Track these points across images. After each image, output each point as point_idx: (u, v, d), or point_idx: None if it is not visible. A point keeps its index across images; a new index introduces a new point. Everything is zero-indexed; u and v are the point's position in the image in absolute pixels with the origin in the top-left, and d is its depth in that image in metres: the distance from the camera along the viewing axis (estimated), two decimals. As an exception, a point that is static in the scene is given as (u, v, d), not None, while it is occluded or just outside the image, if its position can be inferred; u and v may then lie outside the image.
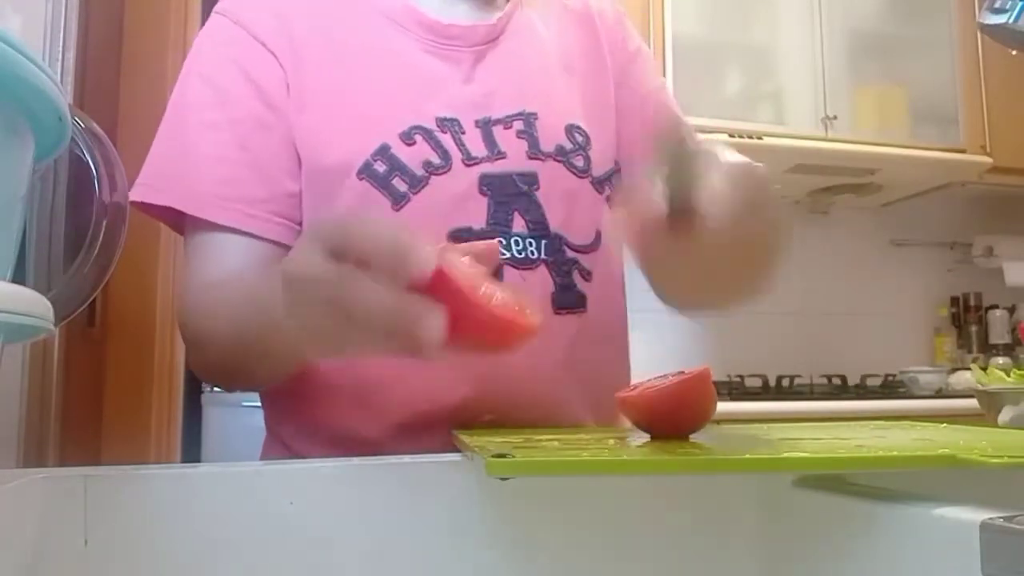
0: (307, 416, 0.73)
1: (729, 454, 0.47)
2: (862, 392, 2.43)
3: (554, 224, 0.73)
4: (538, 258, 0.72)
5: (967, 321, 2.83)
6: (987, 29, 0.74)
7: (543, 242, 0.73)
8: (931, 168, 2.51)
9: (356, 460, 0.51)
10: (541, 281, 0.72)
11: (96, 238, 0.70)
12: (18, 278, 0.37)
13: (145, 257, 1.76)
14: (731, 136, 2.22)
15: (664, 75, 2.26)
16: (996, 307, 2.79)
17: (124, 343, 1.77)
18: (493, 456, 0.42)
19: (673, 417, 0.55)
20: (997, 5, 0.73)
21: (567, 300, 0.74)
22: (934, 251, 2.90)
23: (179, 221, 0.72)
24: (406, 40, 0.75)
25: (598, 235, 0.77)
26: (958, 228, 2.89)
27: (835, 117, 2.38)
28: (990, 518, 0.34)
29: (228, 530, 0.46)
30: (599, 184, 0.78)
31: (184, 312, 0.71)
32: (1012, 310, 2.79)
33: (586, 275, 0.75)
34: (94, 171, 0.70)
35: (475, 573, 0.49)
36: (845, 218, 2.82)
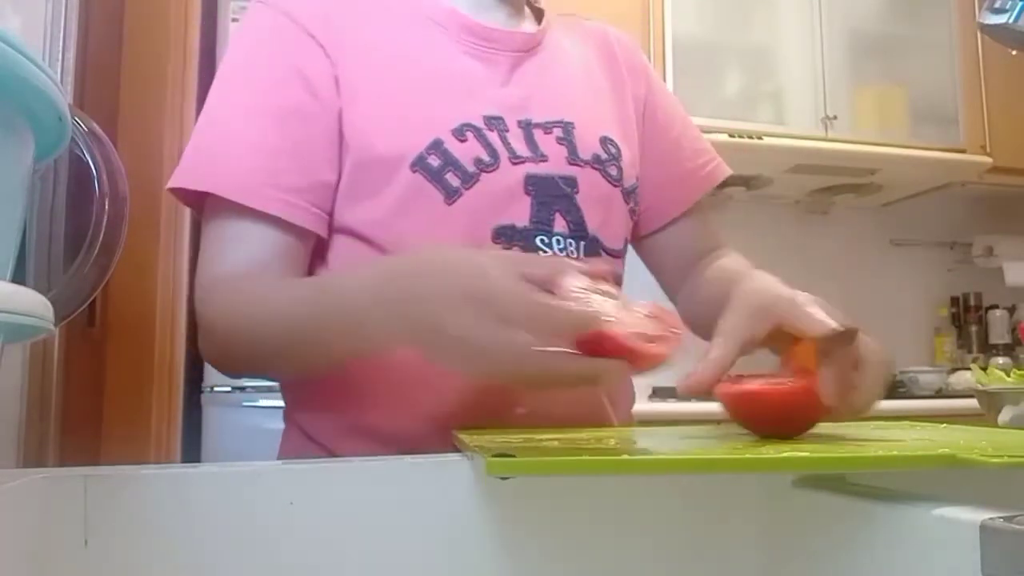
0: (330, 406, 0.73)
1: (729, 454, 0.47)
2: (862, 392, 2.43)
3: (592, 227, 0.75)
4: (578, 258, 0.74)
5: (967, 321, 2.83)
6: (987, 29, 0.75)
7: (582, 243, 0.75)
8: (931, 168, 2.51)
9: (356, 460, 0.51)
10: None
11: (96, 238, 0.70)
12: (18, 278, 0.37)
13: (145, 257, 1.75)
14: (731, 136, 2.22)
15: (664, 75, 2.26)
16: (996, 307, 2.79)
17: (124, 343, 1.77)
18: (493, 456, 0.42)
19: (795, 418, 0.54)
20: (997, 5, 0.73)
21: None
22: (934, 251, 2.90)
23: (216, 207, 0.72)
24: (447, 41, 0.77)
25: (625, 243, 0.82)
26: (958, 228, 2.89)
27: (835, 117, 2.38)
28: (990, 518, 0.34)
29: (228, 530, 0.46)
30: (627, 195, 0.80)
31: (205, 300, 0.70)
32: (1012, 310, 2.79)
33: (618, 279, 0.79)
34: (94, 171, 0.70)
35: (475, 573, 0.49)
36: (845, 218, 2.82)
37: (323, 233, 0.72)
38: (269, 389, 1.81)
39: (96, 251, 0.69)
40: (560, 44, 0.84)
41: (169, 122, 1.84)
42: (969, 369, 2.07)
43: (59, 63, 1.14)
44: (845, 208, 2.79)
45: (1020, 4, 0.72)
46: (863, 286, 2.79)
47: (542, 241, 0.72)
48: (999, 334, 2.76)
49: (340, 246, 0.73)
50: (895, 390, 2.43)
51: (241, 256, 0.69)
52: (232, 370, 0.74)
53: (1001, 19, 0.73)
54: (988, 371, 0.94)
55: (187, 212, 1.77)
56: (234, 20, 1.96)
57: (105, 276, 0.71)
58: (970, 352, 2.78)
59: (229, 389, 1.92)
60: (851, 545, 0.43)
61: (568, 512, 0.51)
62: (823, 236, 2.78)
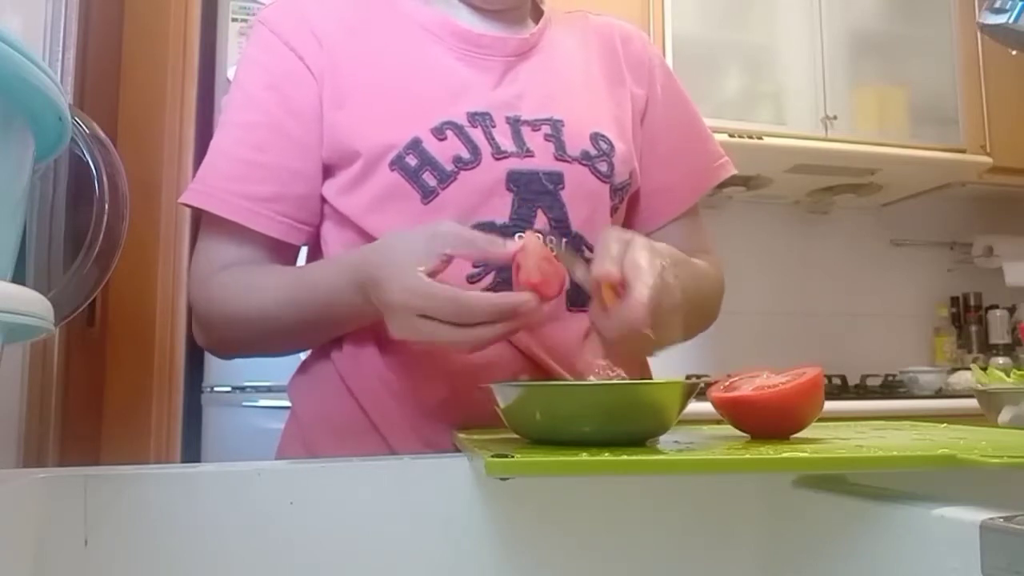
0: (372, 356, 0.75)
1: (729, 454, 0.47)
2: (862, 392, 2.43)
3: (576, 224, 0.76)
4: (556, 256, 0.73)
5: (967, 321, 2.82)
6: (987, 29, 0.75)
7: (563, 240, 0.75)
8: (931, 168, 2.51)
9: (356, 460, 0.51)
10: None
11: (96, 238, 0.70)
12: (18, 278, 0.37)
13: (145, 257, 1.75)
14: (731, 136, 2.22)
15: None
16: (996, 307, 2.79)
17: (124, 343, 1.77)
18: (493, 456, 0.42)
19: (787, 419, 0.54)
20: (997, 5, 0.73)
21: (581, 298, 0.75)
22: (934, 251, 2.90)
23: None
24: (440, 48, 0.79)
25: None
26: (958, 228, 2.89)
27: (835, 117, 2.38)
28: (990, 518, 0.34)
29: (228, 530, 0.46)
30: (615, 192, 0.80)
31: (193, 289, 0.77)
32: (1012, 310, 2.79)
33: None
34: (94, 171, 0.70)
35: (475, 573, 0.49)
36: (845, 218, 2.82)
37: (294, 241, 0.76)
38: (269, 389, 1.81)
39: (96, 251, 0.69)
40: (558, 42, 0.85)
41: (169, 122, 1.84)
42: (969, 369, 2.06)
43: (59, 63, 1.14)
44: (845, 208, 2.79)
45: (1020, 4, 0.72)
46: (863, 286, 2.79)
47: (520, 238, 0.72)
48: (999, 334, 2.76)
49: (334, 230, 0.77)
50: (895, 390, 2.44)
51: (221, 256, 0.75)
52: (221, 352, 0.80)
53: (1001, 19, 0.73)
54: (988, 371, 0.93)
55: (187, 212, 1.77)
56: (234, 20, 1.95)
57: (105, 276, 0.71)
58: (970, 352, 2.78)
59: (229, 389, 1.92)
60: (851, 545, 0.43)
61: (568, 512, 0.51)
62: (823, 236, 2.78)
